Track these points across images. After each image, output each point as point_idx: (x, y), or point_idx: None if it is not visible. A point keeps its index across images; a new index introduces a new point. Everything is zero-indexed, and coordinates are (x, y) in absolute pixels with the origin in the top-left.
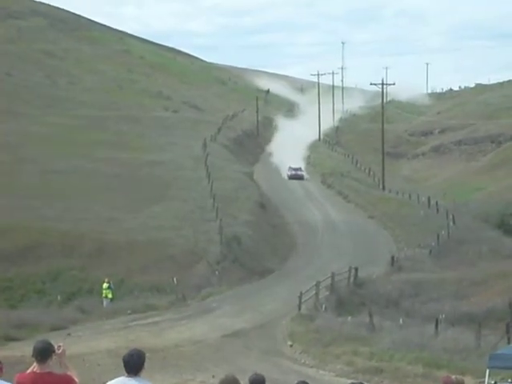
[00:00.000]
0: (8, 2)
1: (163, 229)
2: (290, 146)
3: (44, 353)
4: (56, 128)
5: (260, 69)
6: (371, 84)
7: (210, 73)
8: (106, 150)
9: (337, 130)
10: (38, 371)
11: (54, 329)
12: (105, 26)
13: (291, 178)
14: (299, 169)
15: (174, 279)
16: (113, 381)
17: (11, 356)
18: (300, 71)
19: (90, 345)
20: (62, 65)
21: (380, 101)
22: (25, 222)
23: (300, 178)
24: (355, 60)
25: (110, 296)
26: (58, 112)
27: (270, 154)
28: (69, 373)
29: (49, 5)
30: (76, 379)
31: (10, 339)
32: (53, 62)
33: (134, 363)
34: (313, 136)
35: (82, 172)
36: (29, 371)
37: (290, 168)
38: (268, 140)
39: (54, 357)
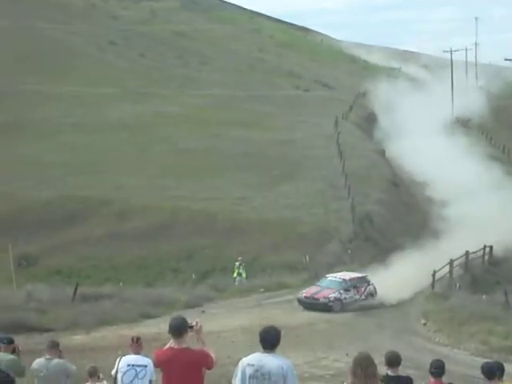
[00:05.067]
0: None
1: (295, 207)
2: (423, 124)
3: (180, 329)
4: (188, 108)
5: (391, 46)
6: (506, 60)
7: (341, 50)
8: (237, 130)
9: (470, 107)
10: (175, 347)
11: (189, 306)
12: (235, 5)
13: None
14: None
15: (306, 257)
16: (248, 357)
17: (147, 333)
18: (431, 48)
19: (224, 322)
20: (194, 45)
21: None
22: (158, 202)
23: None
24: (490, 36)
25: (243, 274)
26: (190, 92)
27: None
28: (205, 348)
29: None
30: (212, 355)
31: (147, 316)
32: (185, 42)
33: (270, 339)
34: (444, 114)
35: (214, 151)
36: (166, 347)
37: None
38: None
39: (190, 333)
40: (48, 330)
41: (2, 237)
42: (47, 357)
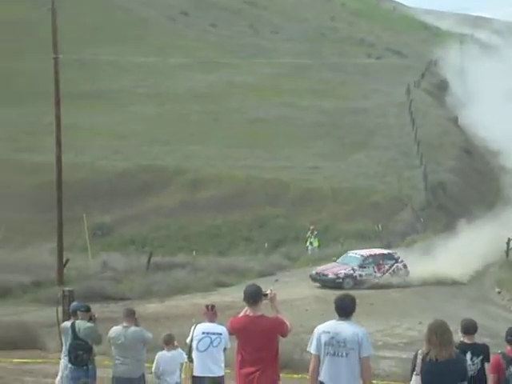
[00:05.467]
0: None
1: (367, 176)
2: (496, 91)
3: (255, 296)
4: (260, 77)
5: (462, 12)
6: None
7: (413, 18)
8: (309, 99)
9: None
10: (250, 314)
11: (262, 275)
12: None
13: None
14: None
15: (379, 226)
16: (324, 324)
17: (220, 301)
18: (504, 14)
19: (296, 291)
20: (265, 14)
21: None
22: (231, 171)
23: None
24: None
25: (314, 244)
26: (262, 61)
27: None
28: (280, 316)
29: None
30: (287, 322)
31: (220, 285)
32: (256, 11)
33: (345, 306)
34: None
35: (286, 120)
36: (241, 315)
37: None
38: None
39: (264, 301)
40: (123, 299)
41: (78, 206)
42: (124, 325)
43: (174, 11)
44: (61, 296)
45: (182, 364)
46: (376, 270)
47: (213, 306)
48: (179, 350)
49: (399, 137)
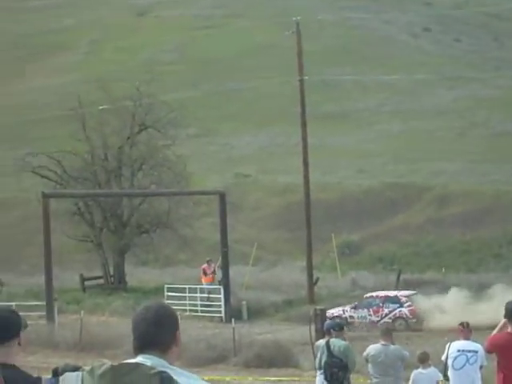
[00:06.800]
0: None
1: None
2: None
3: None
4: (506, 90)
5: None
6: None
7: None
8: None
9: None
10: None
11: None
12: None
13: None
14: None
15: None
16: None
17: (472, 320)
18: None
19: None
20: (510, 26)
21: None
22: (478, 186)
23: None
24: None
25: None
26: (507, 74)
27: None
28: None
29: None
30: None
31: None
32: (500, 24)
33: None
34: None
35: None
36: (495, 332)
37: None
38: None
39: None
40: None
41: (326, 226)
42: (382, 343)
43: (417, 28)
44: (313, 314)
45: (437, 382)
46: (372, 313)
47: (468, 324)
48: (432, 367)
49: None
